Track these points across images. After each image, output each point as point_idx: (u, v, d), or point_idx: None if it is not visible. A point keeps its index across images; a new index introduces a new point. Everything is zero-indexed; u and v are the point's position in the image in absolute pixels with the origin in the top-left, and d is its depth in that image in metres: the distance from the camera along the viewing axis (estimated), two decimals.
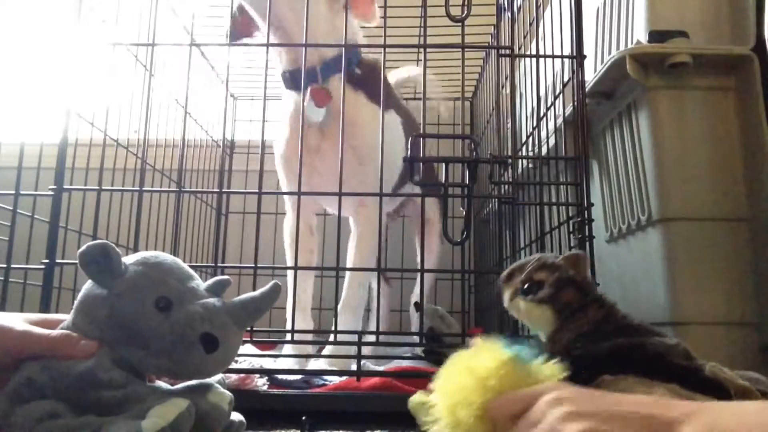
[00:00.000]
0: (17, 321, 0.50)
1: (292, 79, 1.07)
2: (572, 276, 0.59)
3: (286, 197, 1.18)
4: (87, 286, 0.52)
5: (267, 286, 0.53)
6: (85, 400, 0.46)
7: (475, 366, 0.45)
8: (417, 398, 0.51)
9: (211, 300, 0.52)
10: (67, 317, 0.52)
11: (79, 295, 0.52)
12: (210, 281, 0.55)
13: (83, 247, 0.49)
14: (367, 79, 1.07)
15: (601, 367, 0.51)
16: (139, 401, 0.46)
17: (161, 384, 0.53)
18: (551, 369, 0.46)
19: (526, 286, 0.59)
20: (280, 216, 1.25)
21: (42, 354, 0.48)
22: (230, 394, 0.53)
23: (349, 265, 1.08)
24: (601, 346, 0.54)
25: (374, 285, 1.10)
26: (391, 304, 1.69)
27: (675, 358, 0.52)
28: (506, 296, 0.62)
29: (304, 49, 0.92)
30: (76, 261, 0.49)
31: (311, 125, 1.03)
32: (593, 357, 0.53)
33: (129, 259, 0.53)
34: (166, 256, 0.54)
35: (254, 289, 0.54)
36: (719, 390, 0.47)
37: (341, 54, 1.00)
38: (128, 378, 0.48)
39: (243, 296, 0.53)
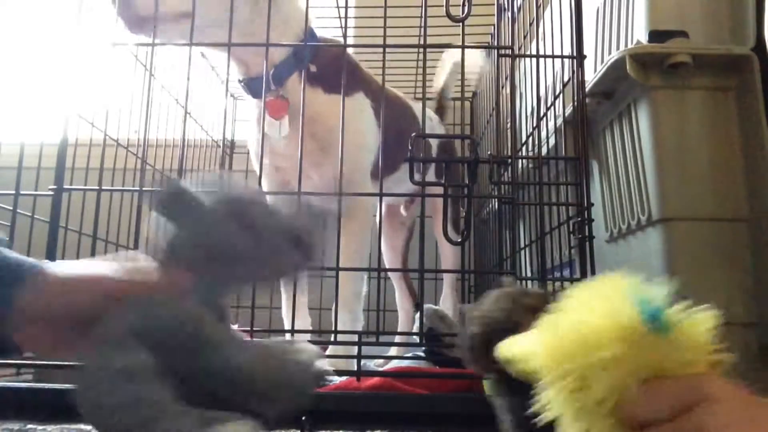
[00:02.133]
0: (113, 268, 0.48)
1: (247, 88, 1.06)
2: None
3: (264, 185, 1.17)
4: (158, 223, 0.50)
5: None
6: (188, 339, 0.43)
7: (596, 338, 0.34)
8: (513, 351, 0.39)
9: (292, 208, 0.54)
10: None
11: (153, 234, 0.50)
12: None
13: (156, 194, 0.48)
14: (324, 72, 1.04)
15: None
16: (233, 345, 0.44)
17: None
18: (696, 336, 0.35)
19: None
20: None
21: (140, 293, 0.46)
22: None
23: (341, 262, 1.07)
24: None
25: (375, 283, 1.10)
26: (390, 304, 1.69)
27: None
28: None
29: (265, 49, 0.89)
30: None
31: (276, 139, 1.03)
32: None
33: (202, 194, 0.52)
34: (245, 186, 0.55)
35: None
36: None
37: (291, 53, 1.00)
38: (226, 319, 0.48)
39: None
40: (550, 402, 0.35)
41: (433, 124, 1.49)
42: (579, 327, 0.35)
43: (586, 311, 0.35)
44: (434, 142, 1.37)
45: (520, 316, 0.45)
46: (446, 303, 1.54)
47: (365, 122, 1.10)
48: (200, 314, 0.44)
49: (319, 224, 0.53)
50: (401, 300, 1.56)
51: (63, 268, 0.49)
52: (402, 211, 1.57)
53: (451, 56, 1.60)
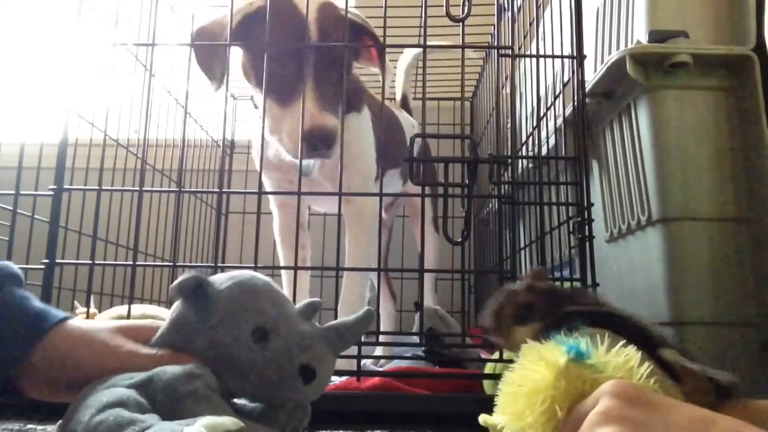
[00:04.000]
0: (120, 338, 0.50)
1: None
2: (551, 285, 0.60)
3: (270, 198, 1.18)
4: (180, 309, 0.51)
5: (361, 312, 0.53)
6: (176, 392, 0.44)
7: (533, 379, 0.42)
8: (484, 419, 0.48)
9: (307, 327, 0.51)
10: (152, 309, 0.52)
11: (173, 315, 0.51)
12: (301, 304, 0.55)
13: (177, 283, 0.48)
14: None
15: (583, 323, 0.52)
16: (214, 409, 0.44)
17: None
18: (616, 360, 0.42)
19: (520, 312, 0.59)
20: None
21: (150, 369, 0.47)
22: None
23: (347, 264, 1.08)
24: (583, 308, 0.55)
25: (375, 284, 1.11)
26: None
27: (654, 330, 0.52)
28: (502, 338, 0.58)
29: None
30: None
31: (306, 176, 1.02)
32: (574, 314, 0.54)
33: (221, 279, 0.52)
34: (259, 278, 0.53)
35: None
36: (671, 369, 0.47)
37: None
38: (218, 390, 0.47)
39: (337, 322, 0.53)
40: None
41: (415, 130, 1.50)
42: (520, 385, 0.43)
43: (528, 369, 0.43)
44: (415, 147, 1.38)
45: (531, 297, 0.56)
46: (427, 301, 1.55)
47: (371, 136, 1.13)
48: (187, 374, 0.45)
49: (328, 355, 0.51)
50: (382, 302, 1.57)
51: (85, 327, 0.51)
52: (383, 213, 1.59)
53: (404, 61, 1.62)
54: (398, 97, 1.65)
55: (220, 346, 0.48)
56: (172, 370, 0.46)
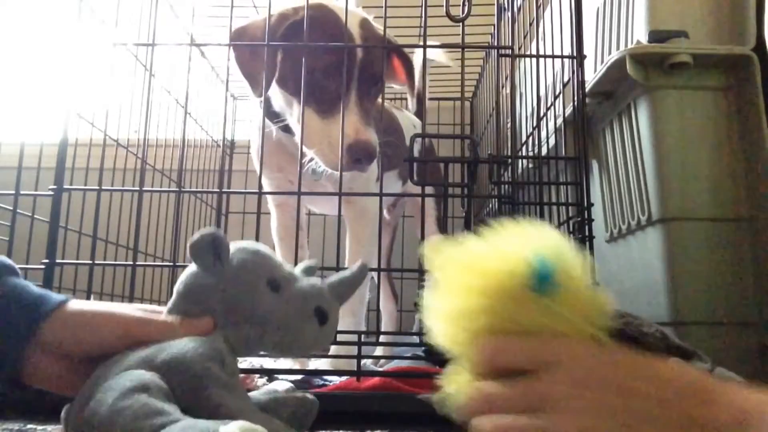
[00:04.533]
0: (133, 309, 0.52)
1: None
2: None
3: (269, 198, 1.18)
4: (190, 275, 0.52)
5: (356, 267, 0.57)
6: (194, 377, 0.45)
7: (484, 273, 0.37)
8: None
9: (314, 279, 0.56)
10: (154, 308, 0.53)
11: (181, 285, 0.52)
12: (299, 266, 0.59)
13: (195, 237, 0.50)
14: None
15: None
16: (235, 397, 0.45)
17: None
18: (578, 307, 0.36)
19: None
20: None
21: (159, 338, 0.48)
22: None
23: (347, 264, 1.08)
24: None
25: (376, 284, 1.11)
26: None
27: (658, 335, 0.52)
28: None
29: None
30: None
31: (316, 179, 1.02)
32: None
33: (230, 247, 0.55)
34: (259, 245, 0.56)
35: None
36: None
37: None
38: (237, 369, 0.50)
39: (337, 276, 0.56)
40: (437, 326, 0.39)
41: (416, 130, 1.50)
42: (473, 272, 0.37)
43: (488, 258, 0.37)
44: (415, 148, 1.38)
45: None
46: None
47: None
48: (206, 358, 0.46)
49: (335, 304, 0.55)
50: (384, 302, 1.57)
51: (84, 305, 0.51)
52: (385, 214, 1.59)
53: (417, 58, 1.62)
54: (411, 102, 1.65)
55: (238, 297, 0.51)
56: (181, 346, 0.46)
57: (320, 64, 0.88)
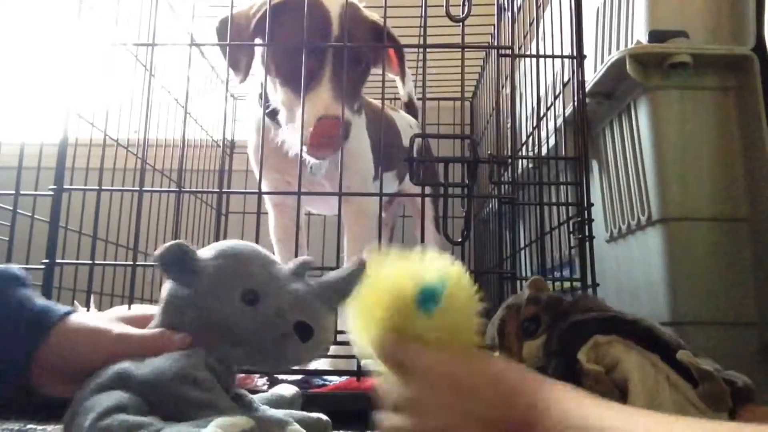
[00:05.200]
0: (112, 322, 0.51)
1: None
2: (553, 295, 0.61)
3: (267, 198, 1.18)
4: (169, 287, 0.50)
5: (352, 262, 0.51)
6: (171, 397, 0.44)
7: (384, 291, 0.44)
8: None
9: (298, 285, 0.50)
10: (153, 309, 0.52)
11: (163, 296, 0.51)
12: (292, 263, 0.53)
13: (159, 250, 0.47)
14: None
15: (592, 330, 0.52)
16: (218, 412, 0.43)
17: (244, 393, 0.53)
18: (457, 322, 0.43)
19: (525, 325, 0.59)
20: None
21: (137, 353, 0.48)
22: None
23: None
24: (588, 314, 0.55)
25: None
26: None
27: (662, 333, 0.53)
28: (510, 356, 0.60)
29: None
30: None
31: (313, 175, 1.02)
32: (582, 322, 0.54)
33: (206, 252, 0.51)
34: (244, 244, 0.52)
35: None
36: (688, 372, 0.48)
37: None
38: (215, 383, 0.46)
39: (329, 276, 0.51)
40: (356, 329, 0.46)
41: (414, 130, 1.50)
42: (372, 296, 0.45)
43: (390, 280, 0.45)
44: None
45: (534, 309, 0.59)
46: None
47: (367, 137, 1.13)
48: (178, 380, 0.45)
49: (324, 311, 0.50)
50: None
51: (83, 320, 0.52)
52: (383, 212, 1.59)
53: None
54: (404, 99, 1.65)
55: (211, 314, 0.48)
56: (154, 366, 0.45)
57: (294, 43, 0.88)
